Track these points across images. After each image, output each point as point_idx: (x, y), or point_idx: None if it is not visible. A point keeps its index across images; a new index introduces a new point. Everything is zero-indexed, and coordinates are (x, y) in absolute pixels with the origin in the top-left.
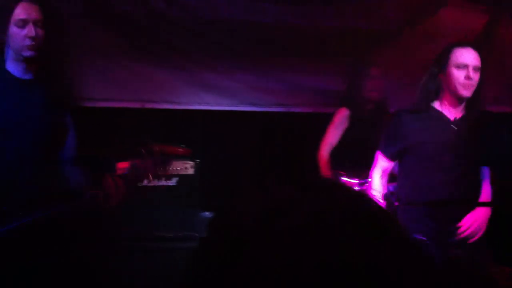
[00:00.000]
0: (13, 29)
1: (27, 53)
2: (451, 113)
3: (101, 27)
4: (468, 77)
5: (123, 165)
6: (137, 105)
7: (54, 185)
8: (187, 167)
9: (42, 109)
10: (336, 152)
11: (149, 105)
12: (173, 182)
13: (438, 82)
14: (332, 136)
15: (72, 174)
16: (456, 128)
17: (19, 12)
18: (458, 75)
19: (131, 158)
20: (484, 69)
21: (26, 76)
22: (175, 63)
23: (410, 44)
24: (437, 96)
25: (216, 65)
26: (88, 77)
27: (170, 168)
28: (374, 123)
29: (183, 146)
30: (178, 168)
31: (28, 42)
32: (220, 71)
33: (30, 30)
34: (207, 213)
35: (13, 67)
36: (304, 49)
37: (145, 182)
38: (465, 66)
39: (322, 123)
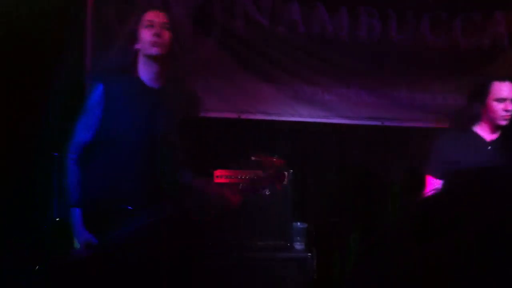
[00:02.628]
0: (148, 32)
1: (153, 50)
2: (488, 135)
3: (207, 39)
4: (506, 110)
5: (220, 173)
6: (233, 115)
7: (169, 187)
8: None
9: (167, 118)
10: None
11: (244, 116)
12: (266, 191)
13: (477, 110)
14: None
15: (183, 177)
16: (491, 149)
17: (147, 16)
18: (498, 108)
19: (249, 168)
20: None
21: (155, 85)
22: (273, 75)
23: None
24: (476, 121)
25: (314, 78)
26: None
27: (285, 183)
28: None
29: (276, 156)
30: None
31: (154, 39)
32: (317, 84)
33: (156, 29)
34: (299, 224)
35: (143, 74)
36: (406, 66)
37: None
38: (504, 100)
39: (417, 137)
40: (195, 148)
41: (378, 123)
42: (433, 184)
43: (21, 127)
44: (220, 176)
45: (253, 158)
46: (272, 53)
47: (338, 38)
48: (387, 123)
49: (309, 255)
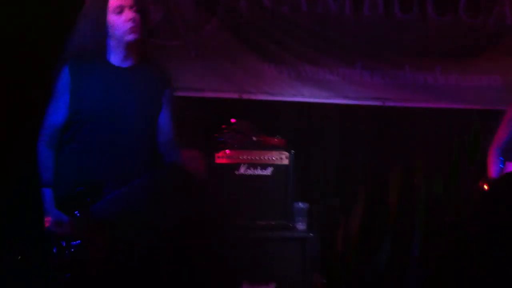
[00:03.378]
0: (112, 17)
1: (130, 37)
2: None
3: (211, 19)
4: None
5: (221, 154)
6: (234, 95)
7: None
8: (282, 158)
9: (141, 94)
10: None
11: (246, 96)
12: (268, 171)
13: None
14: (501, 134)
15: (169, 155)
16: None
17: (114, 1)
18: None
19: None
20: None
21: (125, 64)
22: (276, 55)
23: None
24: None
25: (317, 58)
26: (193, 68)
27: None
28: None
29: (278, 136)
30: (274, 158)
31: (129, 25)
32: (320, 64)
33: (128, 14)
34: (300, 204)
35: (113, 57)
36: (411, 45)
37: (241, 170)
38: None
39: (418, 118)
40: (196, 128)
41: (380, 103)
42: None
43: (22, 124)
44: (221, 156)
45: (254, 138)
46: (275, 33)
47: (341, 18)
48: (388, 103)
49: (311, 235)
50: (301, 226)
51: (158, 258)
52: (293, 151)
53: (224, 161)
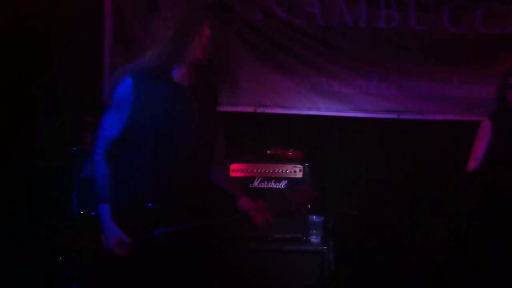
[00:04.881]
0: (194, 45)
1: (200, 61)
2: None
3: (227, 32)
4: None
5: (236, 167)
6: (249, 109)
7: (209, 191)
8: (296, 171)
9: (202, 111)
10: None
11: (260, 110)
12: (282, 185)
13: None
14: (477, 149)
15: (222, 180)
16: None
17: (206, 31)
18: None
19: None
20: None
21: (185, 83)
22: (291, 68)
23: None
24: None
25: (333, 71)
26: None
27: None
28: None
29: (293, 149)
30: (288, 171)
31: (203, 55)
32: (336, 76)
33: (205, 44)
34: (314, 217)
35: (175, 73)
36: (427, 56)
37: (255, 184)
38: None
39: (434, 130)
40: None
41: (394, 115)
42: None
43: (37, 122)
44: (236, 170)
45: (268, 152)
46: (290, 45)
47: (357, 30)
48: (403, 116)
49: (325, 248)
50: (315, 239)
51: None
52: (307, 164)
53: (238, 174)
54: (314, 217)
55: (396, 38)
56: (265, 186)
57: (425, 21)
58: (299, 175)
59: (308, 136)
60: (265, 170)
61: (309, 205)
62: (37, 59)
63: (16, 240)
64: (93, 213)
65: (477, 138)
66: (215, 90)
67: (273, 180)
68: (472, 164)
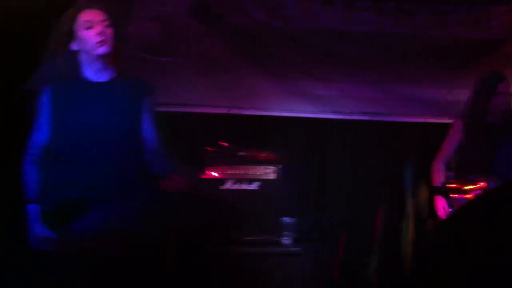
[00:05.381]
0: (82, 33)
1: (100, 50)
2: None
3: (205, 32)
4: None
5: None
6: (224, 110)
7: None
8: (269, 172)
9: (120, 106)
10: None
11: (235, 111)
12: (254, 186)
13: None
14: (446, 147)
15: (156, 162)
16: None
17: (84, 16)
18: None
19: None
20: None
21: (101, 78)
22: (275, 70)
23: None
24: None
25: (313, 73)
26: (181, 83)
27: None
28: (499, 133)
29: (266, 151)
30: (260, 173)
31: (98, 38)
32: (317, 78)
33: (97, 28)
34: (287, 219)
35: (87, 73)
36: (404, 59)
37: (228, 185)
38: None
39: (415, 132)
40: (184, 143)
41: (375, 118)
42: None
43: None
44: (210, 172)
45: (241, 153)
46: (269, 47)
47: (335, 32)
48: (383, 118)
49: (297, 250)
50: (287, 240)
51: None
52: (281, 165)
53: (210, 176)
54: (286, 218)
55: (373, 41)
56: (238, 188)
57: (401, 24)
58: (272, 176)
59: (282, 137)
60: (238, 172)
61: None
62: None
63: None
64: None
65: (448, 137)
66: (141, 84)
67: (246, 182)
68: (438, 161)
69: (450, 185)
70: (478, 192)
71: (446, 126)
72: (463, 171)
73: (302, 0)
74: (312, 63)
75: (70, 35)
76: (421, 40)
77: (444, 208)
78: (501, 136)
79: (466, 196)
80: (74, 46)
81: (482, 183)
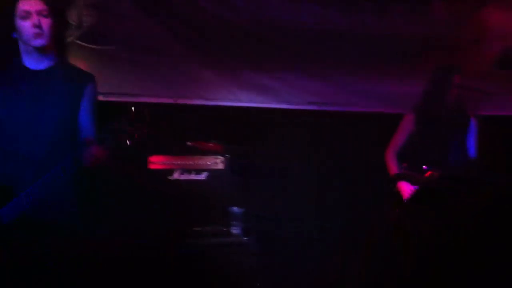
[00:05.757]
0: (19, 22)
1: (36, 42)
2: None
3: (152, 23)
4: None
5: (155, 159)
6: (169, 100)
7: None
8: (217, 162)
9: (57, 95)
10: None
11: (181, 101)
12: (202, 176)
13: None
14: (397, 138)
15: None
16: None
17: (21, 5)
18: None
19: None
20: None
21: (41, 66)
22: (216, 59)
23: (456, 47)
24: None
25: (258, 63)
26: (130, 73)
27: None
28: (452, 125)
29: (214, 141)
30: (208, 163)
31: (34, 31)
32: (261, 69)
33: (34, 20)
34: (235, 208)
35: (27, 60)
36: (352, 52)
37: (175, 176)
38: None
39: (359, 122)
40: (129, 133)
41: (319, 107)
42: None
43: None
44: (155, 162)
45: (188, 143)
46: (217, 37)
47: (281, 23)
48: (328, 108)
49: (246, 239)
50: (236, 230)
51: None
52: (228, 155)
53: (157, 166)
54: (235, 208)
55: (320, 32)
56: (185, 178)
57: (349, 17)
58: (220, 166)
59: (230, 127)
60: (185, 162)
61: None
62: None
63: None
64: None
65: (399, 128)
66: (81, 73)
67: (194, 172)
68: (390, 151)
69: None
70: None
71: (395, 117)
72: (417, 162)
73: None
74: (260, 54)
75: (10, 24)
76: (368, 34)
77: (410, 191)
78: (454, 127)
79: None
80: (14, 35)
81: (436, 173)
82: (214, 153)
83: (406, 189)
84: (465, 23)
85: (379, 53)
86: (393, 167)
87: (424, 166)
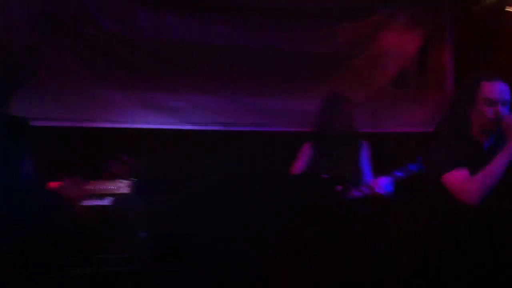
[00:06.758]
0: None
1: None
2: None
3: (54, 44)
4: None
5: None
6: (76, 124)
7: None
8: (122, 186)
9: None
10: None
11: (88, 124)
12: (106, 202)
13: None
14: (298, 165)
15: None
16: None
17: None
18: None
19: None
20: None
21: None
22: (123, 82)
23: (359, 67)
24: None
25: (163, 84)
26: (30, 96)
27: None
28: (345, 148)
29: (120, 164)
30: (112, 187)
31: None
32: (166, 90)
33: None
34: (143, 234)
35: None
36: (258, 71)
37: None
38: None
39: (267, 143)
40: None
41: (226, 128)
42: None
43: None
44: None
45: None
46: (120, 58)
47: (187, 44)
48: (234, 128)
49: (148, 266)
50: (140, 257)
51: None
52: (135, 179)
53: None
54: (143, 233)
55: (224, 53)
56: (89, 204)
57: (251, 37)
58: (125, 190)
59: (136, 150)
60: (89, 187)
61: None
62: None
63: None
64: None
65: (299, 155)
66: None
67: (97, 197)
68: None
69: None
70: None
71: (299, 135)
72: None
73: (154, 11)
74: (164, 75)
75: None
76: (272, 54)
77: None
78: (346, 147)
79: None
80: None
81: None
82: (120, 176)
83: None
84: (367, 44)
85: (285, 72)
86: None
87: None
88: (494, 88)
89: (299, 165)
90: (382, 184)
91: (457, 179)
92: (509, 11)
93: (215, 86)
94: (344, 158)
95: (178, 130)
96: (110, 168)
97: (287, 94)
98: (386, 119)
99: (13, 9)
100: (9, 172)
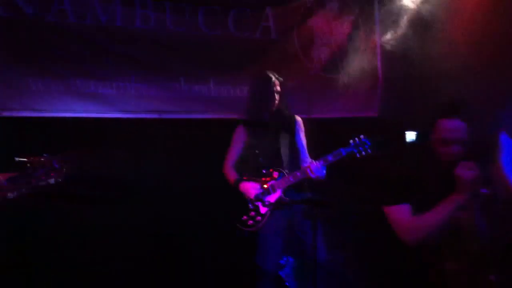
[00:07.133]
0: None
1: None
2: None
3: None
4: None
5: None
6: None
7: None
8: (49, 178)
9: None
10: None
11: (7, 114)
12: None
13: None
14: (232, 151)
15: None
16: None
17: None
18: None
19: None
20: None
21: None
22: (44, 68)
23: (290, 53)
24: None
25: (90, 71)
26: None
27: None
28: (279, 129)
29: (45, 155)
30: (42, 178)
31: None
32: (94, 77)
33: None
34: None
35: None
36: (186, 57)
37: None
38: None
39: (198, 129)
40: None
41: (157, 116)
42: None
43: None
44: None
45: (17, 159)
46: (42, 44)
47: (112, 29)
48: (166, 116)
49: None
50: None
51: None
52: (63, 170)
53: None
54: None
55: (154, 38)
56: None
57: (181, 23)
58: (52, 181)
59: (65, 139)
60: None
61: None
62: None
63: None
64: None
65: (232, 141)
66: None
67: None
68: (227, 165)
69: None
70: (273, 182)
71: (233, 122)
72: (255, 167)
73: None
74: (92, 62)
75: None
76: (202, 40)
77: (256, 190)
78: (278, 131)
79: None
80: None
81: (275, 174)
82: (46, 168)
83: (250, 188)
84: (297, 30)
85: (216, 58)
86: (231, 176)
87: (263, 170)
88: (449, 127)
89: (234, 151)
90: (314, 169)
91: (399, 216)
92: None
93: (146, 73)
94: (279, 140)
95: (110, 118)
96: (33, 160)
97: (218, 80)
98: (320, 105)
99: None
100: None
